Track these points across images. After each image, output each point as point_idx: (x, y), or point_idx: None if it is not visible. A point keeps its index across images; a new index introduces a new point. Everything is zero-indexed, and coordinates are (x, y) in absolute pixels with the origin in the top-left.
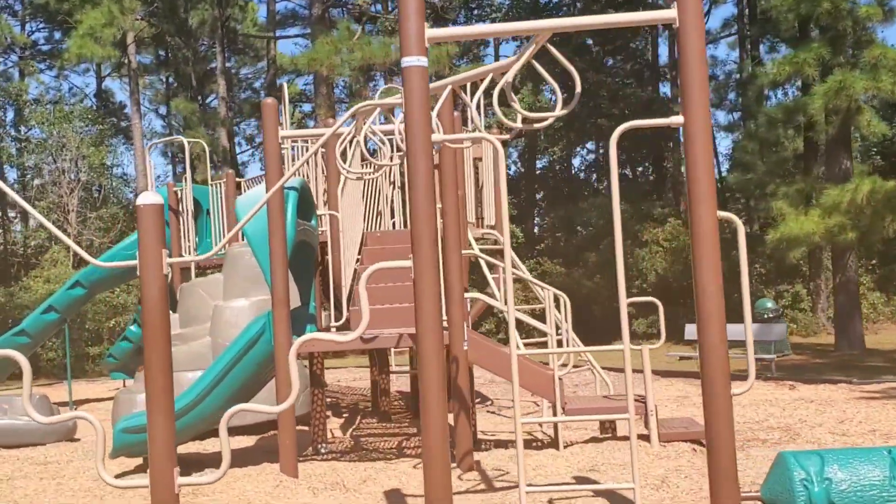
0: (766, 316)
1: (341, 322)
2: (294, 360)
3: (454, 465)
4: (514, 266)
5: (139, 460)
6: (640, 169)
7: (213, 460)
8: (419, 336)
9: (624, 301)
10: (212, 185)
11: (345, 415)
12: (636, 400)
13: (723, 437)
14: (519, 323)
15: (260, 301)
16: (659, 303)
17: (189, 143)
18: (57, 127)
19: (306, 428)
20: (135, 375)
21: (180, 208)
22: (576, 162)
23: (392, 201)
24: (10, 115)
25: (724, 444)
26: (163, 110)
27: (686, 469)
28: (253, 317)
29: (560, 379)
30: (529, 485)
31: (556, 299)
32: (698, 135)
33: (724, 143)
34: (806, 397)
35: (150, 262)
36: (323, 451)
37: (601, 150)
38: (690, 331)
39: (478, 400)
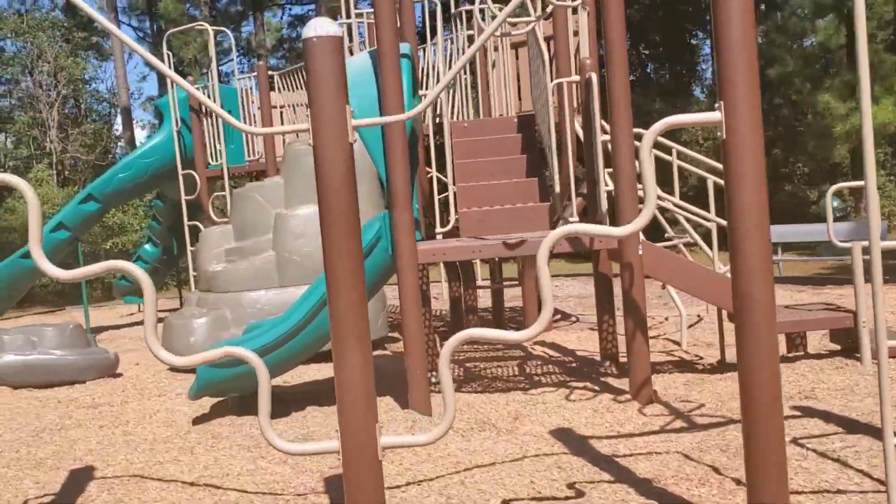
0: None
1: (448, 228)
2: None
3: (629, 396)
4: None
5: (211, 401)
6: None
7: (299, 398)
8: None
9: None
10: (239, 78)
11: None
12: (837, 309)
13: None
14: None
15: None
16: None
17: (214, 31)
18: (32, 35)
19: (382, 352)
20: (182, 297)
21: (206, 109)
22: None
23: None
24: None
25: None
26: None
27: None
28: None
29: None
30: None
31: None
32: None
33: None
34: None
35: (330, 121)
36: (435, 381)
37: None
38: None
39: (557, 317)
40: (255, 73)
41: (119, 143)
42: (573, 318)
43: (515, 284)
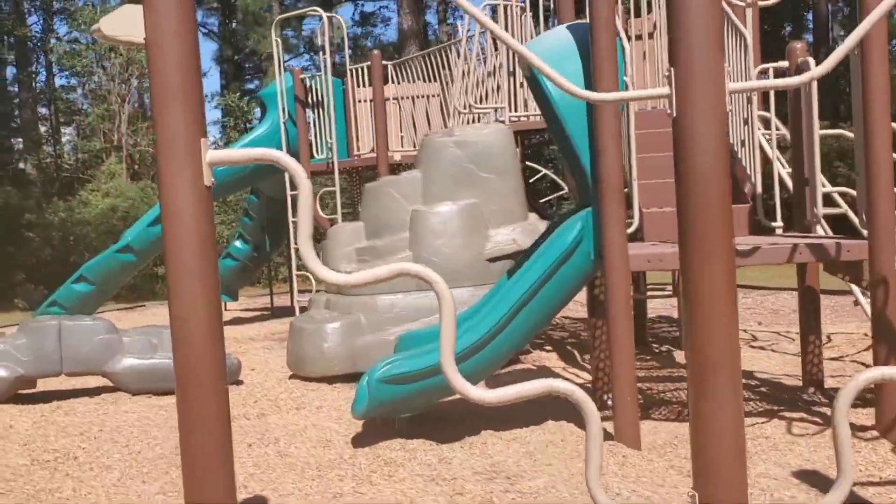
0: None
1: (632, 229)
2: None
3: (875, 433)
4: None
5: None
6: None
7: (465, 416)
8: None
9: None
10: (352, 69)
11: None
12: None
13: None
14: None
15: (470, 205)
16: None
17: (327, 17)
18: None
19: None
20: (309, 299)
21: (312, 100)
22: None
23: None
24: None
25: None
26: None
27: None
28: (462, 224)
29: None
30: None
31: None
32: None
33: None
34: None
35: (702, 85)
36: (610, 403)
37: None
38: None
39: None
40: (370, 63)
41: None
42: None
43: (668, 294)
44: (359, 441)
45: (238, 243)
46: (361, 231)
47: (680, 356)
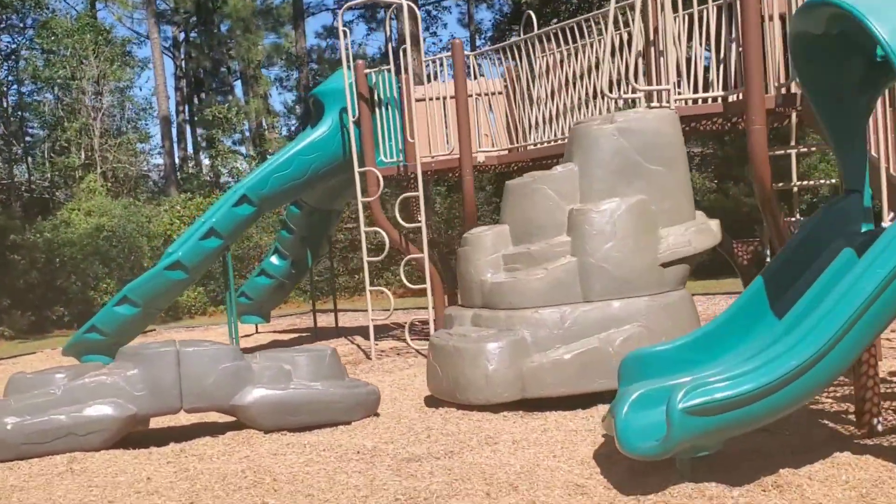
0: None
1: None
2: None
3: None
4: None
5: (587, 448)
6: None
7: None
8: None
9: None
10: (430, 60)
11: None
12: None
13: None
14: None
15: (639, 202)
16: None
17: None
18: (77, 39)
19: None
20: (446, 314)
21: (379, 98)
22: None
23: None
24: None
25: None
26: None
27: None
28: (633, 224)
29: None
30: None
31: None
32: None
33: None
34: None
35: None
36: (880, 428)
37: None
38: None
39: None
40: (450, 52)
41: (159, 153)
42: None
43: None
44: (629, 486)
45: (274, 259)
46: (506, 235)
47: None
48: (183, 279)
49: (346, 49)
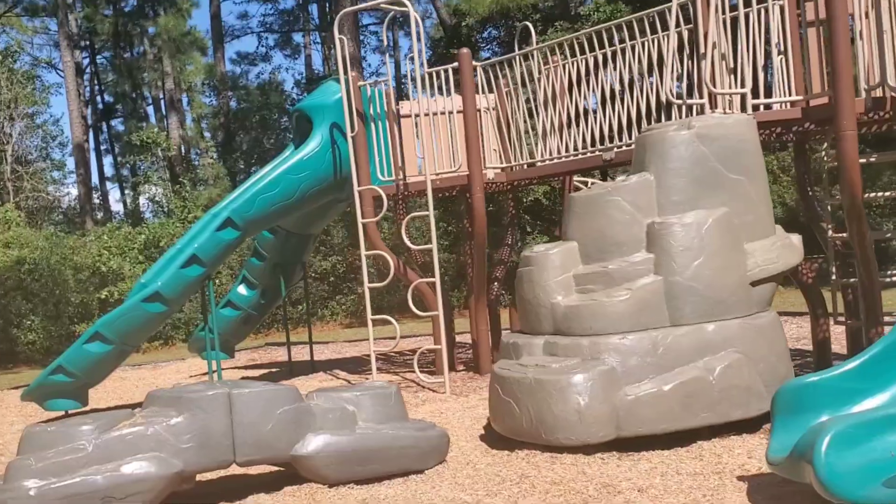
0: None
1: None
2: None
3: None
4: None
5: None
6: None
7: None
8: None
9: None
10: (441, 70)
11: None
12: None
13: None
14: None
15: (724, 215)
16: None
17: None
18: None
19: None
20: (508, 342)
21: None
22: None
23: None
24: None
25: None
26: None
27: None
28: (721, 239)
29: None
30: None
31: None
32: None
33: None
34: None
35: None
36: None
37: None
38: None
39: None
40: (458, 62)
41: (73, 182)
42: None
43: None
44: None
45: (241, 288)
46: (575, 253)
47: None
48: (162, 312)
49: (344, 60)
